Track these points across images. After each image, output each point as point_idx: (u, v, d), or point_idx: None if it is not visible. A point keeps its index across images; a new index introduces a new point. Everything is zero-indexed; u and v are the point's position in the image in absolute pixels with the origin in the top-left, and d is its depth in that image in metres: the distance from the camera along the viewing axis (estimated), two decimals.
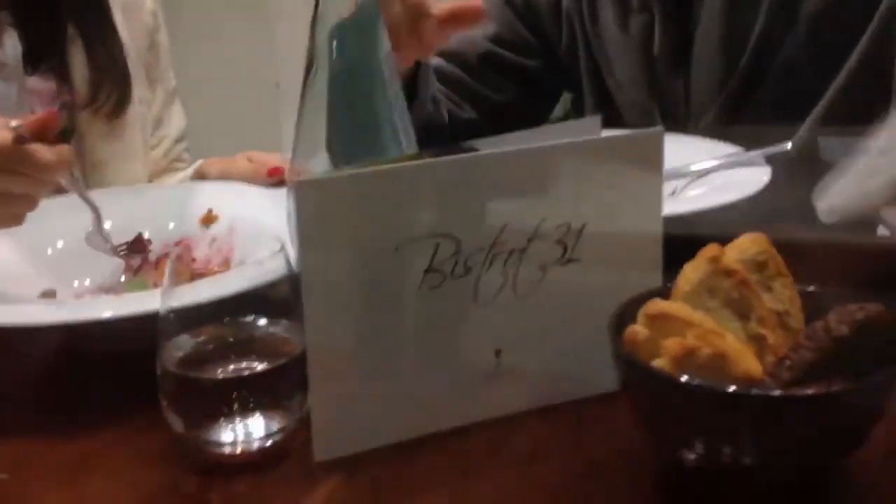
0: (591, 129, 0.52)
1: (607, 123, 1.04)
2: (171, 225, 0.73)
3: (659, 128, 0.49)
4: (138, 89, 0.92)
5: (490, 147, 0.48)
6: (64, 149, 0.60)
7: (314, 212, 0.44)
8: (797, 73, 0.91)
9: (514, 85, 1.05)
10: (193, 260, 0.69)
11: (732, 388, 0.38)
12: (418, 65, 0.78)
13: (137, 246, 0.71)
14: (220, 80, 1.87)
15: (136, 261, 0.70)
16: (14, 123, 0.59)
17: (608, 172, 0.49)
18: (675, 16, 0.94)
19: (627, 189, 0.50)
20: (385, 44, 0.50)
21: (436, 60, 0.99)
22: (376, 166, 0.46)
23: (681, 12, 0.94)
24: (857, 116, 0.87)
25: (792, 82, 0.91)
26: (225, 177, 0.81)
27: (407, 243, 0.46)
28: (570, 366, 0.50)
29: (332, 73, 0.51)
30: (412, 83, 0.78)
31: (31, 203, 0.62)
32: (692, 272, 0.44)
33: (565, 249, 0.49)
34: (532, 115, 1.03)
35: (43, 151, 0.58)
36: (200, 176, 0.87)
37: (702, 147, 0.77)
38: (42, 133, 0.59)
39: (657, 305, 0.42)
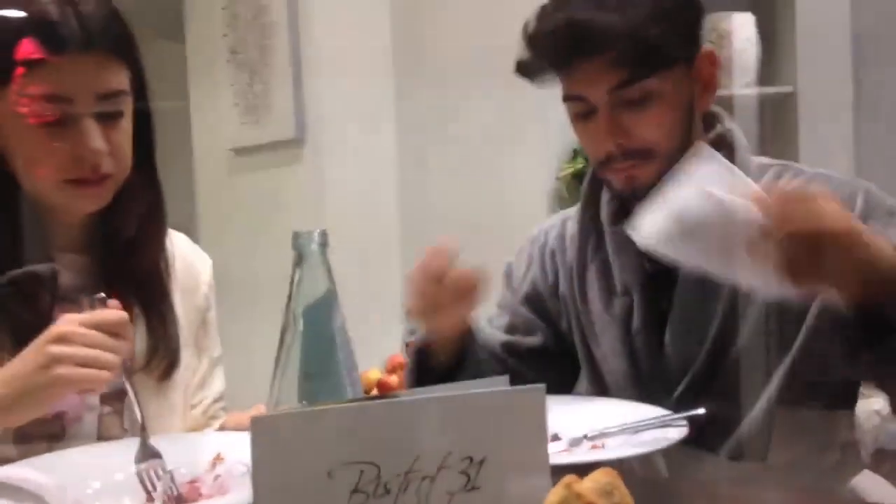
0: (498, 384, 0.66)
1: (599, 390, 1.16)
2: (186, 469, 0.87)
3: (540, 385, 0.63)
4: (186, 358, 1.11)
5: (411, 395, 0.63)
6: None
7: (266, 441, 0.59)
8: (752, 357, 0.99)
9: (531, 364, 1.16)
10: (200, 495, 0.83)
11: None
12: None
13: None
14: (259, 350, 2.11)
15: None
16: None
17: (500, 418, 0.63)
18: (652, 299, 1.06)
19: (517, 432, 0.63)
20: (339, 318, 0.68)
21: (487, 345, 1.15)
22: (315, 407, 0.61)
23: (657, 296, 1.07)
24: (802, 397, 0.98)
25: (748, 364, 1.00)
26: (239, 427, 0.96)
27: (337, 468, 0.60)
28: None
29: (303, 340, 0.69)
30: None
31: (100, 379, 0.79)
32: (553, 495, 0.56)
33: (468, 479, 0.62)
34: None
35: (110, 312, 0.77)
36: (223, 428, 1.03)
37: (642, 410, 0.89)
38: None
39: None
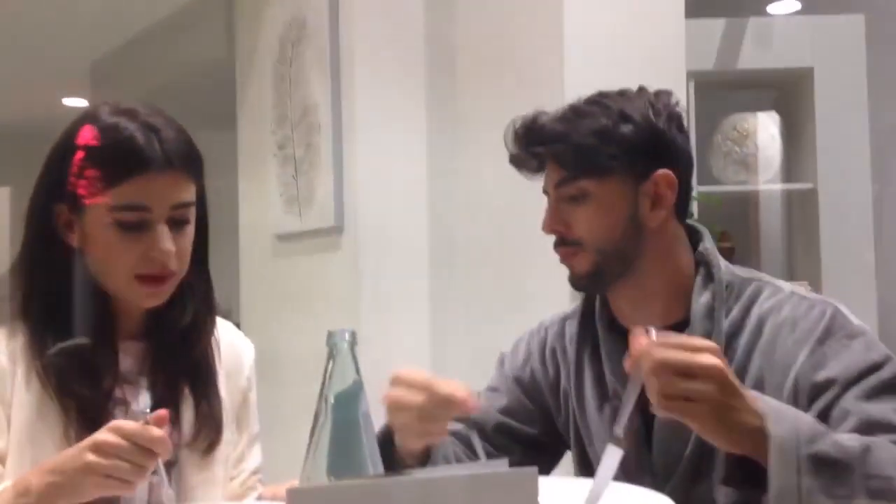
0: (498, 465, 0.77)
1: None
2: None
3: (533, 468, 0.74)
4: (228, 434, 1.23)
5: (422, 474, 0.74)
6: (166, 436, 0.92)
7: None
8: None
9: (521, 449, 1.21)
10: None
11: None
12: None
13: None
14: (295, 426, 2.22)
15: None
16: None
17: (496, 497, 0.73)
18: (640, 403, 1.14)
19: None
20: (364, 406, 0.80)
21: (456, 425, 1.17)
22: (346, 482, 0.73)
23: (644, 401, 1.14)
24: None
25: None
26: (276, 498, 1.07)
27: None
28: None
29: (332, 423, 0.81)
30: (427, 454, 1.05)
31: (129, 486, 0.91)
32: None
33: None
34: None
35: (150, 430, 0.90)
36: (260, 499, 1.14)
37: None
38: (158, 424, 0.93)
39: None
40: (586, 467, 1.19)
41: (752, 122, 3.13)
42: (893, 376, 0.96)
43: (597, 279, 1.10)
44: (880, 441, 0.89)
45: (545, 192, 1.15)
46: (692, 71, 2.83)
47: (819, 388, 0.97)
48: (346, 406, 0.80)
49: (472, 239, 2.46)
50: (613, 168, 1.08)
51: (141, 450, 0.94)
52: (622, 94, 1.12)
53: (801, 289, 1.08)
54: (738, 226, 3.35)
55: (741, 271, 1.11)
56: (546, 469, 1.25)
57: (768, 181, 3.17)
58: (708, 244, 1.11)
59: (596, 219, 1.08)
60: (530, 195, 2.44)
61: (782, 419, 0.87)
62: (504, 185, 2.42)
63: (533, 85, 2.34)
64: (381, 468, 0.80)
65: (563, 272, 2.30)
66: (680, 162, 1.11)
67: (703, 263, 1.10)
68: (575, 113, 1.09)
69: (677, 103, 1.13)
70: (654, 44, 2.43)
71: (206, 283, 1.20)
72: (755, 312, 1.05)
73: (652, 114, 1.08)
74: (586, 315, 1.19)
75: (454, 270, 2.50)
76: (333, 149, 2.46)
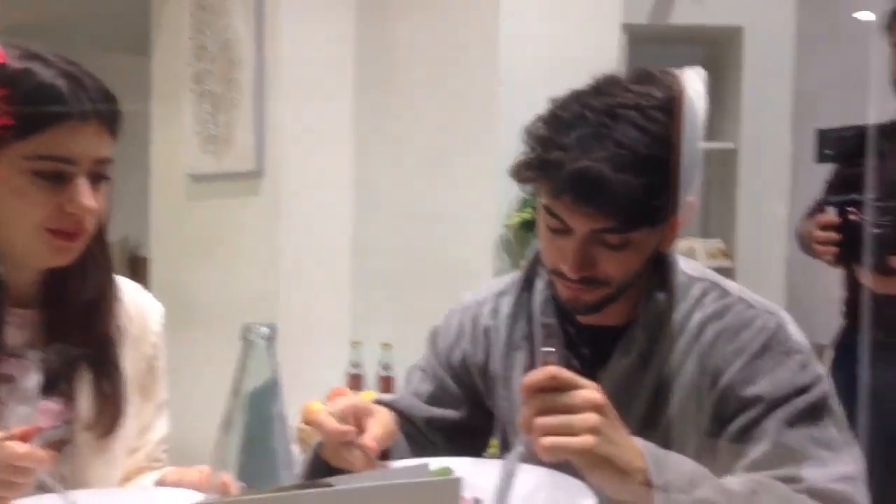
0: (420, 472, 0.74)
1: None
2: None
3: (457, 476, 0.71)
4: (131, 407, 1.16)
5: (341, 484, 0.70)
6: (38, 450, 0.83)
7: None
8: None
9: (452, 434, 1.17)
10: None
11: None
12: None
13: None
14: (206, 374, 2.16)
15: None
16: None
17: None
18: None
19: None
20: (279, 406, 0.75)
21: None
22: (255, 496, 0.68)
23: None
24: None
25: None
26: (178, 484, 1.01)
27: None
28: None
29: (244, 424, 0.75)
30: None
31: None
32: None
33: None
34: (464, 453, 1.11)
35: (16, 446, 0.81)
36: (161, 482, 1.08)
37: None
38: (24, 438, 0.82)
39: None
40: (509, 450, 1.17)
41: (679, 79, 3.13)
42: (819, 400, 0.96)
43: (601, 307, 1.02)
44: (769, 483, 0.90)
45: (559, 229, 0.97)
46: (627, 24, 2.80)
47: (745, 404, 0.97)
48: (260, 405, 0.75)
49: (400, 184, 2.40)
50: (668, 215, 0.97)
51: (7, 466, 0.85)
52: (661, 108, 0.95)
53: (748, 293, 1.04)
54: None
55: (692, 269, 1.07)
56: (482, 448, 1.21)
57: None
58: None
59: (632, 263, 0.98)
60: (459, 138, 2.41)
61: (664, 463, 0.86)
62: (434, 126, 2.37)
63: (466, 23, 2.27)
64: (294, 473, 0.75)
65: (488, 222, 2.30)
66: None
67: (660, 264, 1.05)
68: (635, 155, 0.92)
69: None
70: None
71: (107, 249, 1.11)
72: (698, 316, 1.02)
73: (689, 136, 0.97)
74: (522, 294, 1.14)
75: (379, 216, 2.44)
76: (255, 87, 2.34)
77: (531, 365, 1.10)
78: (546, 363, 0.86)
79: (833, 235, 1.63)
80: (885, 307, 1.62)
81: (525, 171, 0.99)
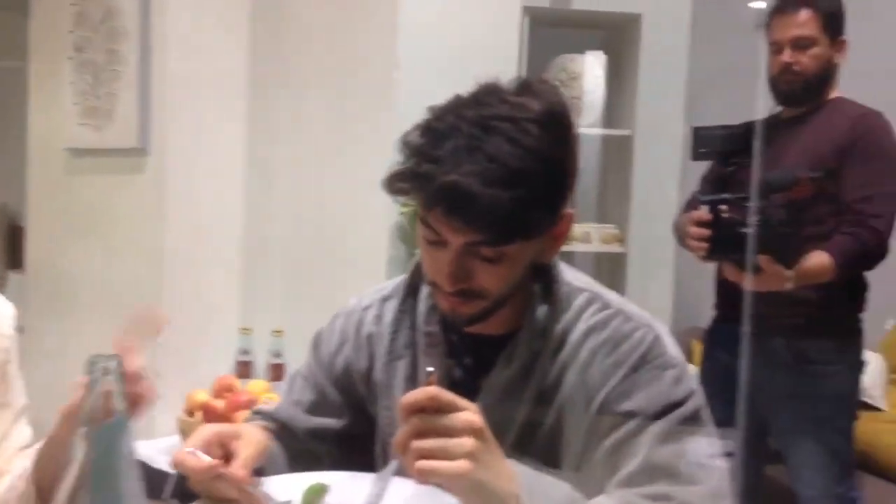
0: None
1: None
2: None
3: None
4: None
5: None
6: None
7: None
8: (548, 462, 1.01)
9: (336, 446, 1.14)
10: None
11: None
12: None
13: None
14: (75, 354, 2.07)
15: None
16: None
17: None
18: None
19: None
20: (128, 445, 0.72)
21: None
22: None
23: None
24: None
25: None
26: None
27: None
28: None
29: (91, 463, 0.71)
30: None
31: None
32: None
33: None
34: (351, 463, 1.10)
35: None
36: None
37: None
38: None
39: None
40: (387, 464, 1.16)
41: (581, 64, 3.15)
42: (691, 414, 0.98)
43: (480, 319, 1.01)
44: (639, 502, 0.91)
45: (435, 241, 0.95)
46: (528, 6, 2.79)
47: (620, 419, 0.98)
48: (108, 443, 0.71)
49: (294, 167, 2.34)
50: (544, 229, 0.96)
51: None
52: (536, 121, 0.92)
53: (628, 305, 1.05)
54: None
55: (576, 279, 1.07)
56: (368, 456, 1.17)
57: (590, 125, 3.23)
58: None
59: (509, 275, 0.97)
60: (355, 123, 2.36)
61: (537, 490, 0.86)
62: (330, 110, 2.31)
63: (364, 5, 2.21)
64: None
65: (383, 208, 2.26)
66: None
67: (543, 274, 1.05)
68: (506, 169, 0.89)
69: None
70: None
71: None
72: (580, 328, 1.03)
73: (568, 147, 0.96)
74: (407, 299, 1.11)
75: (272, 199, 2.38)
76: (140, 60, 2.22)
77: (413, 374, 1.10)
78: (429, 382, 0.85)
79: (705, 232, 1.69)
80: (752, 302, 1.69)
81: (397, 183, 0.96)
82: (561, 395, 1.02)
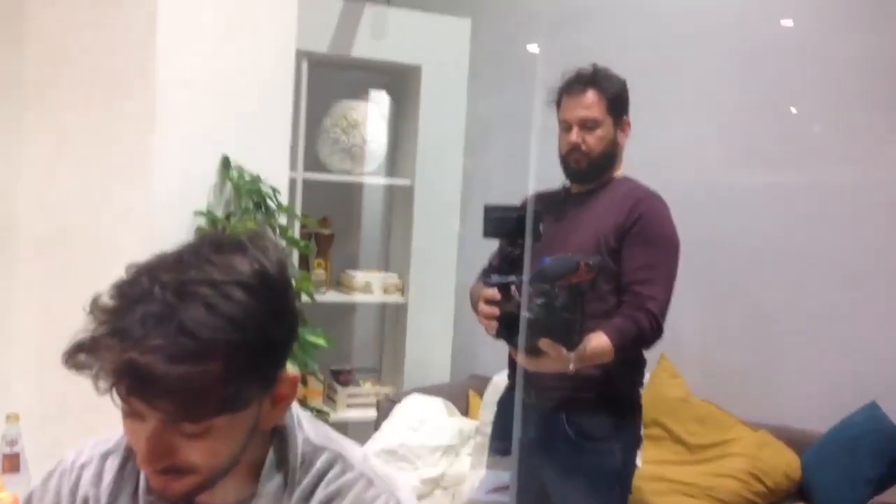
0: None
1: None
2: None
3: None
4: None
5: None
6: None
7: None
8: None
9: None
10: None
11: None
12: None
13: None
14: None
15: None
16: None
17: None
18: None
19: None
20: None
21: None
22: None
23: None
24: None
25: None
26: None
27: None
28: None
29: None
30: None
31: None
32: None
33: None
34: None
35: None
36: None
37: None
38: None
39: None
40: None
41: (362, 111, 3.06)
42: None
43: (194, 495, 0.88)
44: None
45: (130, 413, 0.83)
46: (305, 51, 2.64)
47: None
48: None
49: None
50: (253, 398, 0.85)
51: None
52: (243, 284, 0.82)
53: (371, 466, 0.96)
54: (340, 213, 3.33)
55: (316, 436, 0.97)
56: None
57: (373, 172, 3.16)
58: (288, 420, 0.95)
59: (220, 449, 0.85)
60: (112, 172, 2.08)
61: None
62: (88, 151, 2.03)
63: (122, 29, 1.96)
64: None
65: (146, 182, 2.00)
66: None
67: (278, 437, 0.94)
68: (196, 342, 0.78)
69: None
70: (264, 20, 2.20)
71: None
72: (318, 496, 0.93)
73: (280, 311, 0.86)
74: (130, 458, 0.97)
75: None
76: None
77: None
78: None
79: (494, 311, 1.68)
80: (537, 376, 1.73)
81: (77, 354, 0.80)
82: None
